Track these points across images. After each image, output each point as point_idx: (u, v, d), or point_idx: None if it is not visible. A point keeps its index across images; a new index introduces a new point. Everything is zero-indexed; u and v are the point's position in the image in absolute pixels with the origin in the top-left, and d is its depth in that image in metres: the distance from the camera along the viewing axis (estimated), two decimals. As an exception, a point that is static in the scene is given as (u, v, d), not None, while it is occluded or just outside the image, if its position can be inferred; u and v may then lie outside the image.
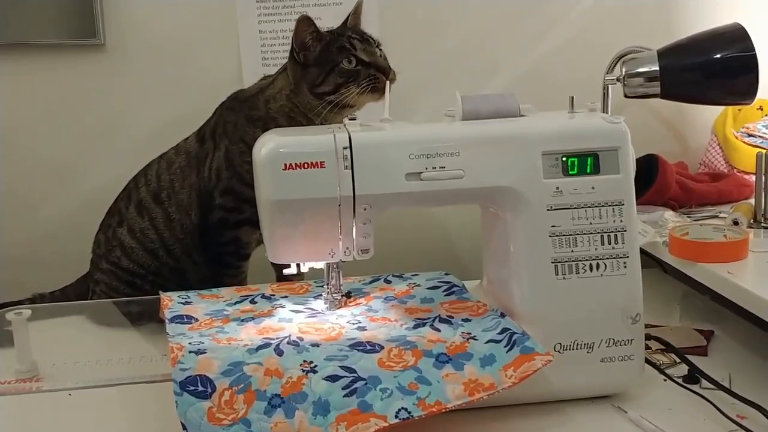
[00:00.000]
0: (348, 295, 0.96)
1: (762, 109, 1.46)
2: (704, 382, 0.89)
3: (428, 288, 0.98)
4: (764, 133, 1.39)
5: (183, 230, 1.14)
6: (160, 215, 1.14)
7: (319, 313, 0.93)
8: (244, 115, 1.11)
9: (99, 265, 1.17)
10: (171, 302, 0.97)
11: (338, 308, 0.93)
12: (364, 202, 0.84)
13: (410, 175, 0.84)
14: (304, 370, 0.78)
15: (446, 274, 1.03)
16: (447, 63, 1.39)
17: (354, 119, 0.88)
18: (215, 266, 1.14)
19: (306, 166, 0.82)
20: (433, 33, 1.40)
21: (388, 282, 1.02)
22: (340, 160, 0.82)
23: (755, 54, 1.10)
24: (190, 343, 0.83)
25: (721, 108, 1.43)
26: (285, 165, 0.82)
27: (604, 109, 1.17)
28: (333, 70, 1.05)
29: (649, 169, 1.22)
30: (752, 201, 1.18)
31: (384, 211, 0.86)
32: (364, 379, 0.77)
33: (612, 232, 0.85)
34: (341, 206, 0.83)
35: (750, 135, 1.40)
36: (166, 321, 0.92)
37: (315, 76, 1.05)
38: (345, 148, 0.83)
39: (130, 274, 1.14)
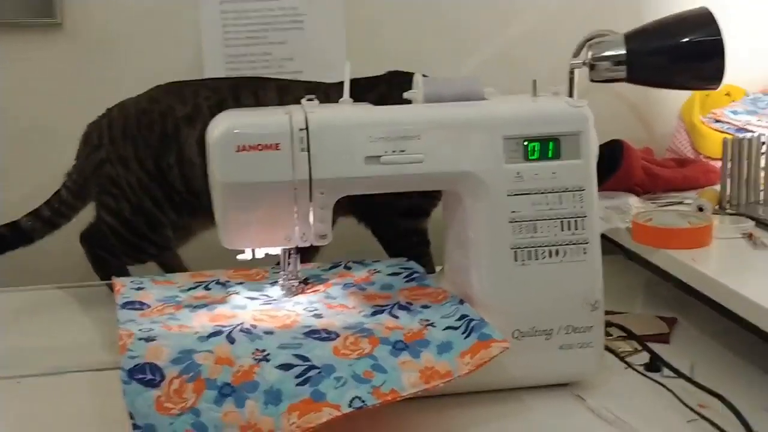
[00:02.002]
0: (305, 281, 0.94)
1: (729, 95, 1.46)
2: (666, 371, 0.88)
3: (389, 274, 0.96)
4: (731, 119, 1.39)
5: None
6: None
7: (275, 300, 0.91)
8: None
9: None
10: (123, 288, 0.94)
11: (295, 295, 0.91)
12: (322, 186, 0.81)
13: (370, 158, 0.82)
14: (256, 359, 0.76)
15: (408, 260, 1.01)
16: (412, 46, 1.37)
17: (312, 99, 0.85)
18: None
19: (260, 147, 0.79)
20: (398, 16, 1.37)
21: (348, 268, 1.00)
22: (296, 142, 0.80)
23: (722, 39, 1.08)
24: (140, 330, 0.81)
25: (688, 93, 1.43)
26: (238, 147, 0.79)
27: (570, 94, 1.15)
28: None
29: (613, 155, 1.22)
30: (718, 187, 1.18)
31: (343, 195, 0.84)
32: (318, 368, 0.75)
33: (572, 218, 0.84)
34: (297, 190, 0.81)
35: (717, 121, 1.40)
36: (118, 307, 0.89)
37: None
38: (301, 129, 0.80)
39: None
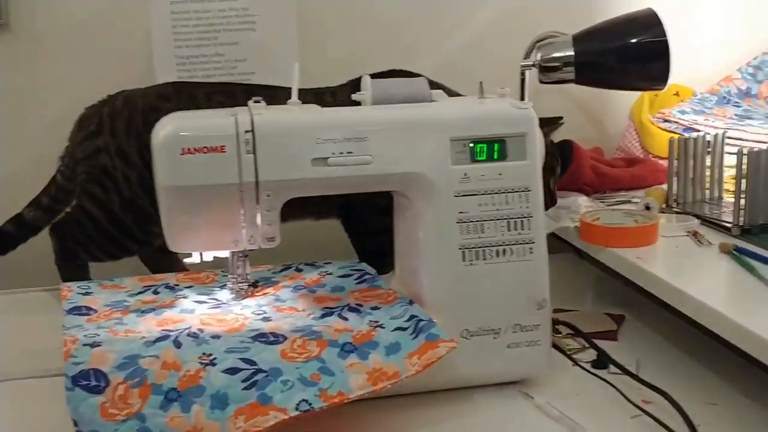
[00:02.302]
0: (255, 284, 0.93)
1: (678, 95, 1.49)
2: (612, 367, 0.90)
3: (340, 276, 0.96)
4: (679, 119, 1.42)
5: None
6: None
7: (224, 303, 0.90)
8: None
9: None
10: (70, 293, 0.93)
11: (244, 298, 0.91)
12: (268, 188, 0.81)
13: (317, 160, 0.81)
14: (202, 363, 0.75)
15: (359, 261, 1.01)
16: (363, 52, 1.37)
17: (259, 101, 0.85)
18: None
19: (205, 150, 0.79)
20: (350, 21, 1.37)
21: (299, 270, 0.99)
22: (242, 144, 0.80)
23: (667, 40, 1.11)
24: (85, 336, 0.80)
25: (638, 93, 1.45)
26: (183, 149, 0.79)
27: (522, 96, 1.17)
28: None
29: (563, 155, 1.23)
30: (665, 186, 1.20)
31: (290, 198, 0.84)
32: (265, 371, 0.75)
33: (518, 218, 0.85)
34: (243, 193, 0.81)
35: (666, 120, 1.42)
36: (64, 312, 0.88)
37: None
38: (247, 131, 0.80)
39: None
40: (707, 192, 1.19)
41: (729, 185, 1.16)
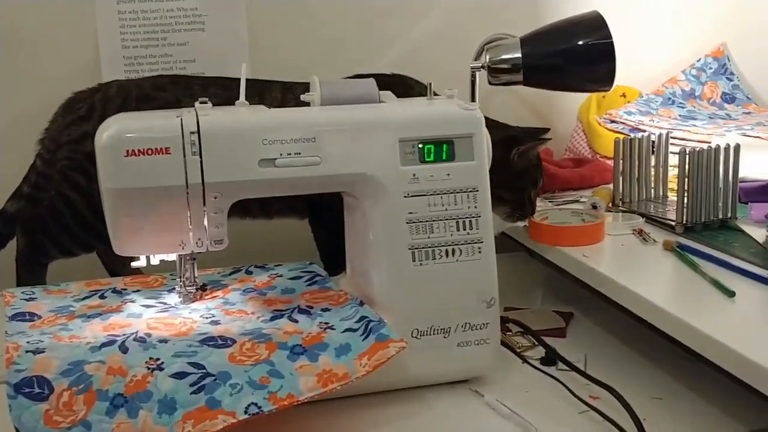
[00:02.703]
0: (203, 288, 0.92)
1: (625, 96, 1.52)
2: (561, 364, 0.91)
3: (290, 278, 0.96)
4: (625, 120, 1.45)
5: None
6: None
7: (172, 307, 0.89)
8: None
9: None
10: (13, 299, 0.91)
11: (193, 302, 0.90)
12: (215, 190, 0.80)
13: (264, 161, 0.81)
14: (149, 368, 0.74)
15: (310, 263, 1.01)
16: (314, 53, 1.37)
17: (206, 102, 0.84)
18: None
19: (150, 152, 0.78)
20: (297, 33, 1.37)
21: (249, 273, 0.99)
22: (187, 146, 0.79)
23: (612, 42, 1.13)
24: (28, 342, 0.78)
25: (585, 95, 1.48)
26: (127, 151, 0.77)
27: (472, 96, 1.18)
28: (520, 191, 1.06)
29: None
30: (612, 186, 1.22)
31: (238, 200, 0.83)
32: (214, 375, 0.74)
33: (467, 218, 0.86)
34: (189, 195, 0.80)
35: (612, 121, 1.45)
36: (6, 319, 0.86)
37: (504, 181, 1.01)
38: (193, 132, 0.79)
39: None
40: (652, 191, 1.22)
41: (673, 184, 1.19)
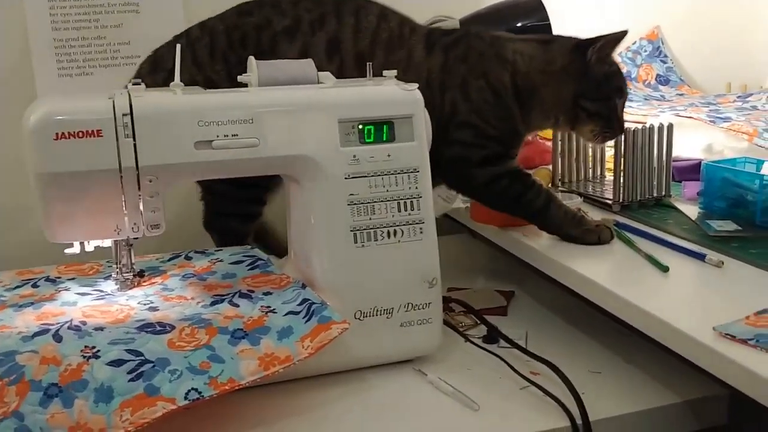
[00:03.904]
0: (141, 274, 0.90)
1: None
2: (502, 342, 0.92)
3: (231, 263, 0.95)
4: (564, 102, 1.46)
5: None
6: (350, 74, 0.96)
7: (109, 294, 0.87)
8: (494, 50, 0.99)
9: None
10: (-60, 291, 0.87)
11: (130, 289, 0.88)
12: (150, 174, 0.78)
13: (200, 143, 0.79)
14: (85, 356, 0.72)
15: (252, 248, 1.00)
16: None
17: (139, 83, 0.82)
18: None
19: (81, 135, 0.75)
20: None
21: (188, 259, 0.97)
22: (120, 128, 0.76)
23: (550, 24, 1.14)
24: (-44, 335, 0.75)
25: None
26: (57, 134, 0.75)
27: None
28: (605, 101, 0.99)
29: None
30: (551, 166, 1.24)
31: (174, 183, 0.82)
32: (152, 362, 0.72)
33: (408, 198, 0.85)
34: (123, 178, 0.78)
35: (552, 104, 1.46)
36: (-67, 312, 0.82)
37: (587, 90, 0.98)
38: (125, 114, 0.77)
39: None
40: (590, 171, 1.24)
41: (610, 164, 1.21)
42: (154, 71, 1.01)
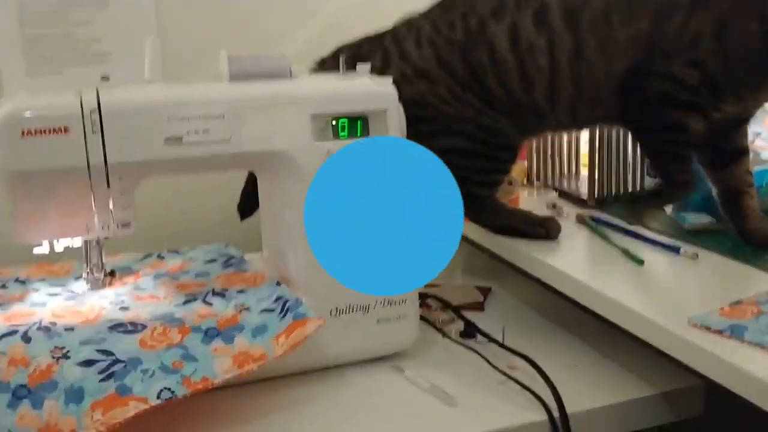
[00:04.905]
0: (112, 274, 0.88)
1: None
2: (480, 337, 0.92)
3: (205, 262, 0.93)
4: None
5: (583, 73, 0.89)
6: (568, 41, 0.88)
7: (79, 295, 0.85)
8: None
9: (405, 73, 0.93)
10: None
11: (102, 289, 0.86)
12: (119, 171, 0.77)
13: (170, 139, 0.78)
14: (54, 357, 0.71)
15: (226, 245, 0.98)
16: (231, 25, 1.33)
17: (107, 79, 0.80)
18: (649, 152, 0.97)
19: (48, 132, 0.74)
20: (210, 6, 1.32)
21: (161, 258, 0.96)
22: (87, 125, 0.75)
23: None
24: None
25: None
26: (23, 131, 0.73)
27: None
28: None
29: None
30: (526, 162, 1.24)
31: (144, 180, 0.80)
32: (123, 362, 0.71)
33: (382, 193, 0.85)
34: (92, 176, 0.76)
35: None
36: None
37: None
38: (93, 111, 0.75)
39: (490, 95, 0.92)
40: (565, 167, 1.24)
41: (585, 160, 1.21)
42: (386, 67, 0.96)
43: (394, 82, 0.87)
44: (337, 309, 0.83)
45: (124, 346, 0.73)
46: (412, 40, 0.95)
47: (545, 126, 0.99)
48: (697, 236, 0.95)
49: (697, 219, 0.99)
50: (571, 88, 0.91)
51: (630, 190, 1.12)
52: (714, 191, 0.97)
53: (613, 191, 1.11)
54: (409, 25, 0.98)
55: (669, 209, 1.05)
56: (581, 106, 0.93)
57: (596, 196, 1.10)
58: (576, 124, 0.99)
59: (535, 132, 1.03)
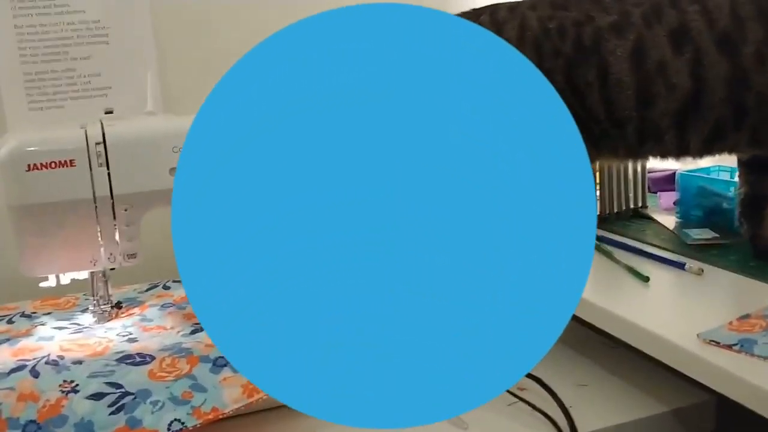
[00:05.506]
0: (119, 305, 0.89)
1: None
2: (488, 359, 0.91)
3: (211, 290, 0.93)
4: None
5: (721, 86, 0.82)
6: (711, 61, 0.81)
7: (86, 327, 0.85)
8: None
9: None
10: None
11: (108, 321, 0.86)
12: (125, 202, 0.78)
13: (174, 170, 0.79)
14: (63, 391, 0.71)
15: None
16: (219, 63, 1.34)
17: (110, 113, 0.81)
18: None
19: (53, 165, 0.74)
20: (205, 32, 1.34)
21: (166, 288, 0.96)
22: (93, 157, 0.76)
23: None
24: (-72, 374, 0.73)
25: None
26: (29, 166, 0.74)
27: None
28: None
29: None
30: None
31: (150, 211, 0.81)
32: (133, 394, 0.71)
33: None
34: (98, 208, 0.77)
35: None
36: None
37: None
38: (98, 143, 0.76)
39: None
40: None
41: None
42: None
43: None
44: (344, 334, 0.83)
45: (132, 377, 0.73)
46: (514, 31, 0.88)
47: (624, 148, 0.91)
48: (701, 251, 0.95)
49: (701, 234, 0.99)
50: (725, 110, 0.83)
51: (632, 206, 1.12)
52: (739, 190, 0.95)
53: (616, 208, 1.11)
54: (512, 11, 0.91)
55: (672, 225, 1.05)
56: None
57: (599, 213, 1.11)
58: (690, 151, 0.89)
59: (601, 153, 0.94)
